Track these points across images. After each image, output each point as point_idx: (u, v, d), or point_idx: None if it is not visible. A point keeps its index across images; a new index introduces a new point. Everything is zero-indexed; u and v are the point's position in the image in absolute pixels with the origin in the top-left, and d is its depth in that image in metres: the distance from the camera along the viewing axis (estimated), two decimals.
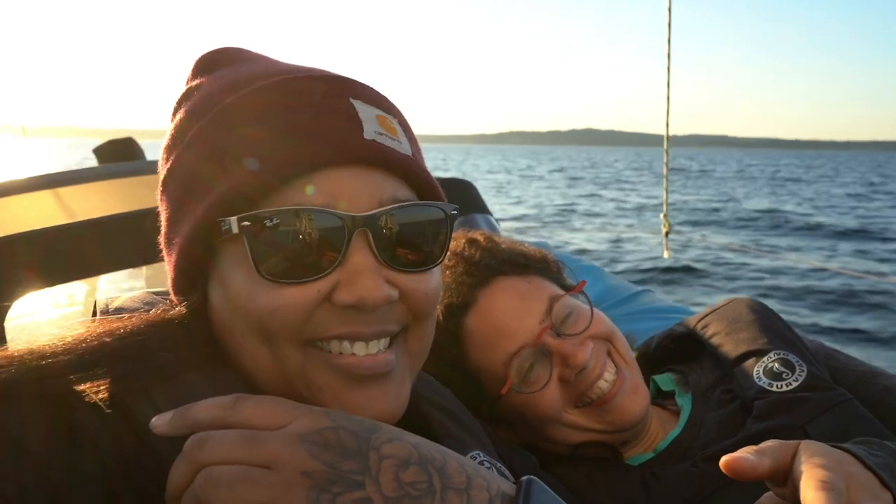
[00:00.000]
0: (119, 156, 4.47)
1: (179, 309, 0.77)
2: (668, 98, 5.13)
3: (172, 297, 0.80)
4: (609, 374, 1.16)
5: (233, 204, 0.70)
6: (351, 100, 0.75)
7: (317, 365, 0.71)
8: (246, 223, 0.69)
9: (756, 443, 1.05)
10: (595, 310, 1.21)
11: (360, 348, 0.71)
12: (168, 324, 0.75)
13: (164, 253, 0.80)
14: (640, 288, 2.09)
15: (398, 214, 0.73)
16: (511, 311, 1.15)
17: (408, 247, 0.73)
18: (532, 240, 3.57)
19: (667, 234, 5.67)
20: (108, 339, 0.71)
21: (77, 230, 1.62)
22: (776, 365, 1.18)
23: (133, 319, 0.75)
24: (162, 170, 0.79)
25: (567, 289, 1.24)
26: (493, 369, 1.16)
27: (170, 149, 0.78)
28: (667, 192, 5.63)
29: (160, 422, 0.62)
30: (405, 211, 0.73)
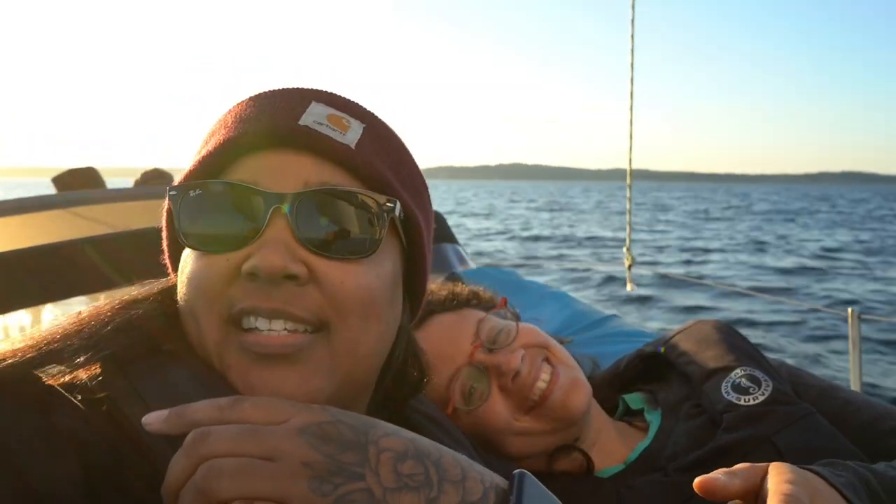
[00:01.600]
0: (79, 185, 4.38)
1: (150, 289, 0.81)
2: (630, 135, 5.25)
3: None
4: (545, 375, 1.21)
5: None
6: (312, 101, 0.79)
7: (230, 343, 0.71)
8: (173, 193, 0.75)
9: (726, 453, 1.09)
10: (522, 323, 1.29)
11: (262, 324, 0.70)
12: (140, 301, 0.78)
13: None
14: (607, 313, 2.13)
15: (319, 197, 0.73)
16: (444, 340, 1.24)
17: (327, 231, 0.73)
18: (502, 266, 3.62)
19: (629, 266, 5.77)
20: (88, 326, 0.73)
21: (26, 256, 1.59)
22: (743, 380, 1.22)
23: (108, 304, 0.77)
24: None
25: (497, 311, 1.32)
26: (439, 397, 1.21)
27: None
28: (630, 226, 5.76)
29: (153, 419, 0.61)
30: (328, 195, 0.73)
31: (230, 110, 0.81)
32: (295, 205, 0.71)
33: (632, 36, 4.75)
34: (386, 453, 0.59)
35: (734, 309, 13.20)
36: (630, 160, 5.39)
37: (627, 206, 5.62)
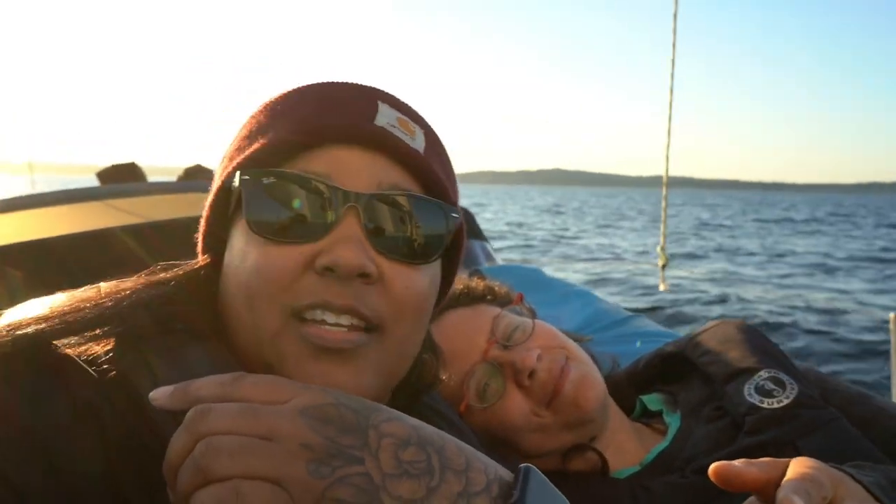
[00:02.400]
0: (122, 180, 4.52)
1: (177, 270, 0.80)
2: (668, 144, 5.25)
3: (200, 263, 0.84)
4: (557, 371, 1.18)
5: (245, 168, 0.75)
6: (378, 101, 0.80)
7: (290, 334, 0.71)
8: (245, 178, 0.73)
9: (746, 456, 1.05)
10: (538, 321, 1.26)
11: (330, 318, 0.71)
12: (166, 282, 0.78)
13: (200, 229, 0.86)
14: (631, 313, 2.09)
15: (393, 200, 0.75)
16: (459, 336, 1.22)
17: (397, 235, 0.74)
18: (525, 265, 3.61)
19: (663, 266, 5.71)
20: (108, 300, 0.73)
21: (59, 243, 1.63)
22: (767, 383, 1.18)
23: (134, 281, 0.77)
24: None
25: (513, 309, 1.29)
26: (453, 393, 1.19)
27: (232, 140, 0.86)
28: (665, 224, 5.70)
29: (160, 395, 0.62)
30: (401, 200, 0.75)
31: (289, 98, 0.80)
32: (369, 204, 0.73)
33: (673, 44, 4.74)
34: (387, 438, 0.58)
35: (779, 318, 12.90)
36: (667, 157, 5.38)
37: (663, 205, 5.58)
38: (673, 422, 1.27)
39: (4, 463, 0.60)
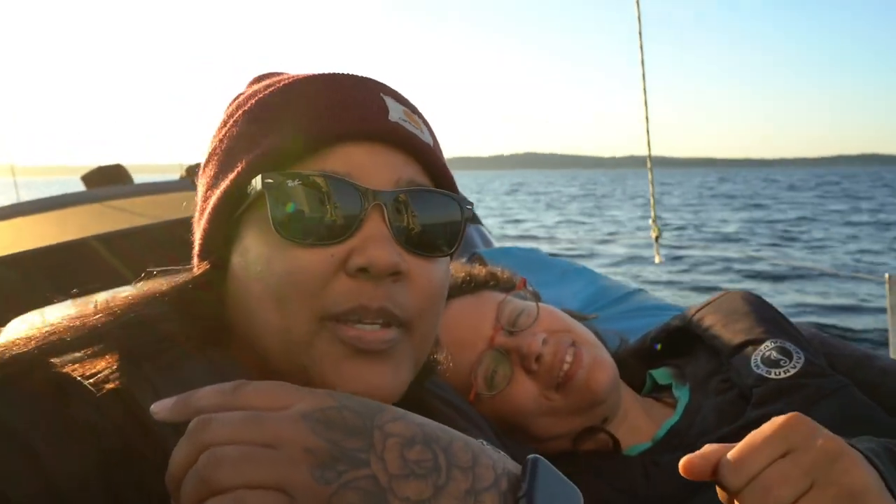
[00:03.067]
0: (108, 182, 4.47)
1: (179, 280, 0.79)
2: (646, 118, 5.31)
3: (195, 268, 0.83)
4: (569, 357, 1.19)
5: (259, 170, 0.74)
6: (381, 94, 0.80)
7: (325, 336, 0.72)
8: (269, 181, 0.72)
9: (755, 429, 1.05)
10: (542, 304, 1.26)
11: (364, 320, 0.72)
12: (161, 298, 0.77)
13: (195, 228, 0.84)
14: (633, 287, 2.10)
15: (414, 196, 0.76)
16: (464, 325, 1.23)
17: (419, 230, 0.75)
18: (522, 246, 3.61)
19: (657, 238, 5.76)
20: (107, 317, 0.73)
21: (55, 254, 1.62)
22: (773, 353, 1.18)
23: (131, 296, 0.76)
24: (205, 155, 0.85)
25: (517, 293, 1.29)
26: (461, 382, 1.19)
27: (213, 137, 0.84)
28: (653, 198, 5.75)
29: (161, 408, 0.61)
30: (421, 195, 0.76)
31: (292, 93, 0.79)
32: (392, 202, 0.73)
33: (638, 17, 4.77)
34: (392, 439, 0.57)
35: (763, 281, 13.04)
36: (647, 130, 5.42)
37: (650, 177, 5.63)
38: (682, 395, 1.28)
39: (2, 482, 0.60)
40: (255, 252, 0.74)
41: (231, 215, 0.78)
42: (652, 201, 5.61)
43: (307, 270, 0.71)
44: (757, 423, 1.07)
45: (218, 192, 0.78)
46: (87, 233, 1.89)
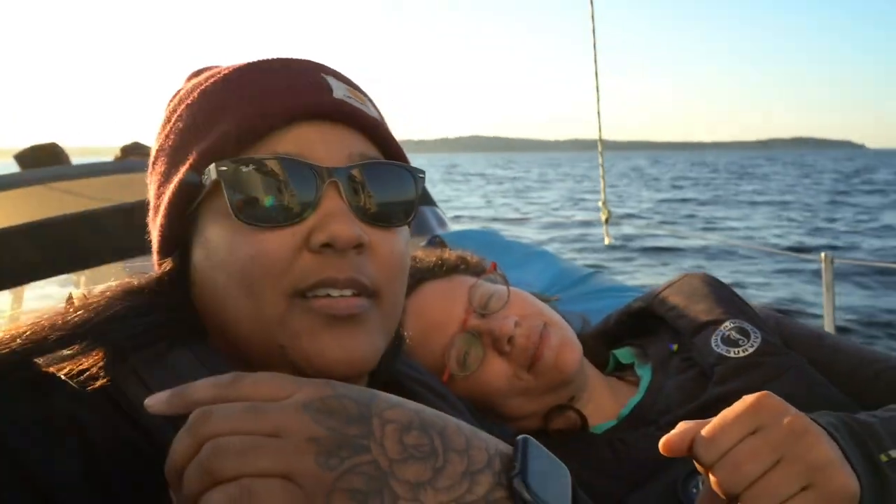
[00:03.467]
0: (43, 162, 4.27)
1: (149, 275, 0.79)
2: (597, 88, 5.39)
3: (156, 267, 0.82)
4: (536, 338, 1.22)
5: (211, 160, 0.74)
6: (322, 74, 0.81)
7: (297, 311, 0.73)
8: (223, 168, 0.73)
9: (717, 405, 1.10)
10: (512, 287, 1.29)
11: (333, 292, 0.73)
12: (140, 291, 0.77)
13: (150, 227, 0.84)
14: (591, 270, 2.13)
15: (367, 170, 0.77)
16: (437, 308, 1.25)
17: (375, 202, 0.77)
18: (477, 227, 3.62)
19: (606, 220, 5.88)
20: (84, 314, 0.72)
21: (14, 234, 1.55)
22: (732, 333, 1.23)
23: (105, 293, 0.76)
24: (152, 153, 0.85)
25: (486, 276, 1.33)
26: (434, 364, 1.21)
27: (158, 135, 0.83)
28: (604, 180, 5.86)
29: (155, 401, 0.61)
30: (374, 168, 0.78)
31: (234, 80, 0.79)
32: (347, 177, 0.75)
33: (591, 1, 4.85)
34: (390, 425, 0.59)
35: (708, 260, 13.51)
36: (599, 115, 5.53)
37: (600, 161, 5.74)
38: (644, 374, 1.32)
39: None
40: (216, 241, 0.75)
41: (187, 209, 0.78)
42: (602, 184, 5.72)
43: (271, 252, 0.72)
44: (718, 400, 1.12)
45: (171, 187, 0.78)
46: (27, 217, 1.81)
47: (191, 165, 0.76)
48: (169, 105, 0.86)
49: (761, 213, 24.34)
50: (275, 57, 0.82)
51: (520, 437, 0.64)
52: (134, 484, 0.65)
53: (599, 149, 5.65)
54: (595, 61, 5.21)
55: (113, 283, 0.80)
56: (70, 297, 0.79)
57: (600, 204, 5.85)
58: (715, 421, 0.76)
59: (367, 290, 0.75)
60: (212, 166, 0.74)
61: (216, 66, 0.87)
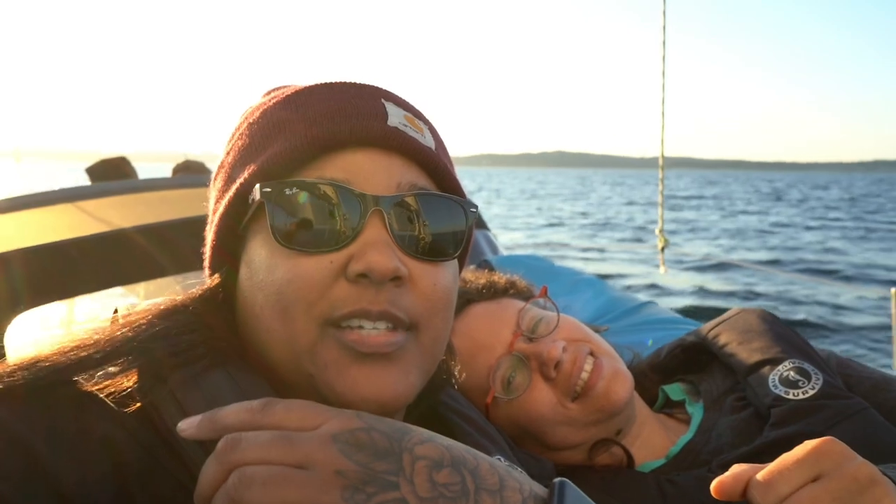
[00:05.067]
0: (111, 175, 4.47)
1: (192, 292, 0.79)
2: (662, 124, 5.31)
3: (207, 281, 0.83)
4: (588, 366, 1.19)
5: (259, 180, 0.74)
6: (382, 100, 0.79)
7: (328, 342, 0.71)
8: (267, 190, 0.72)
9: (773, 449, 1.04)
10: (562, 314, 1.27)
11: (367, 324, 0.71)
12: (184, 308, 0.77)
13: (207, 243, 0.84)
14: (643, 300, 2.07)
15: (414, 201, 0.75)
16: (485, 329, 1.23)
17: (421, 234, 0.75)
18: (526, 252, 3.58)
19: (662, 249, 5.73)
20: (125, 332, 0.72)
21: (72, 247, 1.61)
22: (791, 373, 1.17)
23: (149, 310, 0.76)
24: (214, 168, 0.85)
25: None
26: (478, 385, 1.19)
27: (223, 149, 0.84)
28: (662, 207, 5.72)
29: (187, 425, 0.61)
30: (422, 199, 0.76)
31: (294, 102, 0.79)
32: (392, 207, 0.73)
33: (664, 27, 4.79)
34: (421, 461, 0.57)
35: (770, 292, 13.02)
36: (662, 141, 5.43)
37: (660, 188, 5.60)
38: (696, 412, 1.27)
39: (11, 492, 0.60)
40: (258, 262, 0.74)
41: (237, 227, 0.78)
42: (660, 211, 5.58)
43: (307, 277, 0.70)
44: (776, 444, 1.06)
45: (224, 204, 0.78)
46: (121, 224, 1.88)
47: (241, 185, 0.76)
48: (237, 121, 0.87)
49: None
50: (338, 81, 0.81)
51: (556, 479, 0.61)
52: None
53: (660, 175, 5.53)
54: (663, 75, 5.11)
55: (160, 300, 0.80)
56: (115, 312, 0.80)
57: (657, 232, 5.71)
58: (773, 465, 0.72)
59: (403, 323, 0.72)
60: (257, 188, 0.73)
61: (288, 86, 0.87)
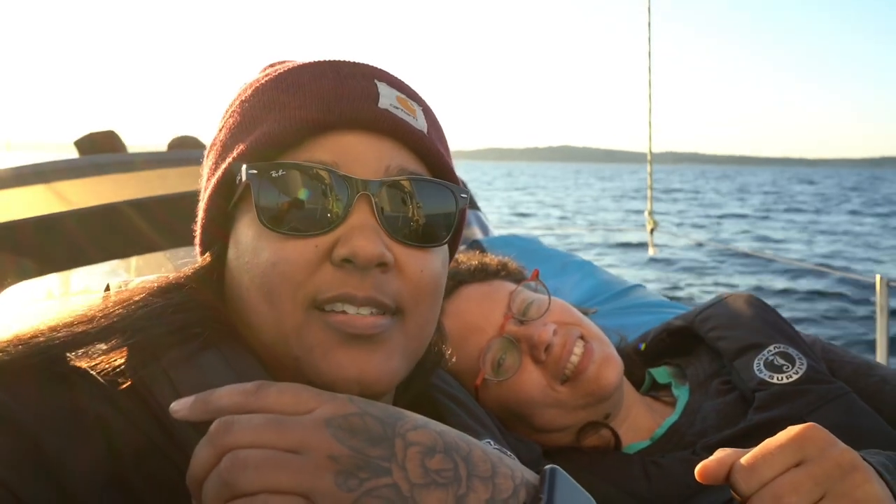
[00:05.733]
0: (101, 149, 4.41)
1: (185, 270, 0.78)
2: (650, 110, 5.41)
3: (198, 259, 0.82)
4: (578, 349, 1.19)
5: (248, 160, 0.73)
6: (375, 80, 0.78)
7: (313, 324, 0.70)
8: (253, 171, 0.71)
9: (757, 432, 1.06)
10: (553, 297, 1.27)
11: (351, 309, 0.70)
12: (178, 287, 0.76)
13: (197, 220, 0.83)
14: (631, 283, 2.09)
15: (403, 185, 0.74)
16: (475, 311, 1.23)
17: (409, 219, 0.74)
18: (521, 232, 3.59)
19: (651, 231, 5.79)
20: (120, 309, 0.72)
21: (67, 219, 1.60)
22: (776, 358, 1.19)
23: (143, 287, 0.75)
24: (207, 145, 0.84)
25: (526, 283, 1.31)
26: (469, 367, 1.20)
27: (217, 126, 0.83)
28: (651, 189, 5.79)
29: (180, 406, 0.61)
30: (412, 184, 0.75)
31: (284, 81, 0.77)
32: (381, 191, 0.72)
33: (648, 8, 4.86)
34: (414, 447, 0.57)
35: (755, 277, 13.12)
36: (650, 131, 5.53)
37: (648, 170, 5.68)
38: (682, 394, 1.29)
39: (5, 471, 0.59)
40: (244, 242, 0.73)
41: (226, 206, 0.77)
42: (649, 194, 5.67)
43: (292, 261, 0.70)
44: (759, 427, 1.08)
45: (213, 182, 0.77)
46: (114, 199, 1.87)
47: (230, 164, 0.75)
48: (232, 97, 0.85)
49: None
50: (328, 59, 0.79)
51: (547, 467, 0.62)
52: (156, 487, 0.65)
53: (649, 157, 5.61)
54: (650, 70, 5.19)
55: (152, 277, 0.79)
56: (108, 289, 0.79)
57: (646, 214, 5.78)
58: (756, 450, 0.73)
59: (389, 308, 0.72)
60: (244, 168, 0.72)
61: (285, 62, 0.85)
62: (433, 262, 0.76)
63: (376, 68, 0.80)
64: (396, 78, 0.81)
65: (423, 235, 0.75)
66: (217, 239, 0.79)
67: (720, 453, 0.75)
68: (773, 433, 1.08)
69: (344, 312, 0.70)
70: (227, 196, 0.76)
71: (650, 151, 5.60)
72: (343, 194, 0.71)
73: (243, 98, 0.80)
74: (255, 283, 0.71)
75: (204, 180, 0.82)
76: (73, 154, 4.45)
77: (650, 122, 5.62)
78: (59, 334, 0.68)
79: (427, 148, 0.77)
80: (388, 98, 0.76)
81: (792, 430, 0.73)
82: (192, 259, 0.84)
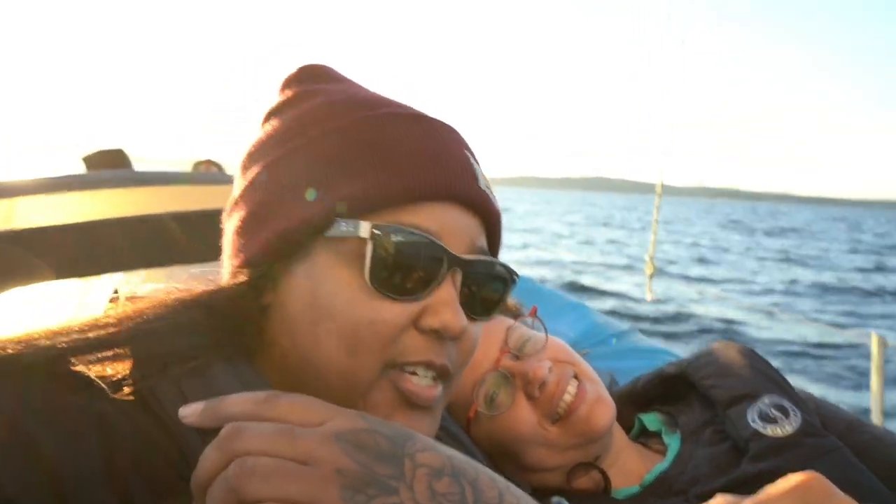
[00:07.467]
0: (111, 165, 4.46)
1: (217, 286, 0.80)
2: (665, 149, 5.43)
3: (225, 272, 0.83)
4: (572, 388, 1.19)
5: (357, 210, 0.75)
6: (465, 150, 0.84)
7: (385, 384, 0.76)
8: (377, 231, 0.74)
9: (751, 483, 1.04)
10: (551, 336, 1.27)
11: (422, 371, 0.77)
12: (197, 304, 0.77)
13: (234, 236, 0.83)
14: (625, 327, 2.08)
15: (483, 264, 0.81)
16: None
17: (478, 296, 0.81)
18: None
19: (650, 276, 5.78)
20: (132, 321, 0.73)
21: (85, 229, 1.62)
22: (771, 409, 1.18)
23: (160, 299, 0.76)
24: (249, 172, 0.84)
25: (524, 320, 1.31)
26: (463, 401, 1.19)
27: (264, 153, 0.83)
28: (655, 234, 5.77)
29: (190, 412, 0.61)
30: (490, 267, 0.82)
31: (389, 129, 0.79)
32: (466, 269, 0.78)
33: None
34: (422, 469, 0.57)
35: (754, 326, 13.06)
36: (661, 171, 5.52)
37: (654, 216, 5.66)
38: (672, 443, 1.27)
39: (6, 475, 0.59)
40: (330, 287, 0.75)
41: (302, 238, 0.77)
42: (653, 238, 5.63)
43: (387, 322, 0.75)
44: (754, 478, 1.06)
45: (296, 213, 0.77)
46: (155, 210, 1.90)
47: (327, 203, 0.75)
48: (295, 110, 0.84)
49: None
50: (423, 113, 0.82)
51: (554, 498, 0.63)
52: (157, 491, 0.65)
53: (657, 202, 5.59)
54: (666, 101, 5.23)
55: (162, 287, 0.80)
56: (115, 294, 0.80)
57: (647, 257, 5.76)
58: (759, 496, 0.71)
59: (449, 376, 0.78)
60: (363, 223, 0.74)
61: (338, 75, 0.87)
62: (479, 332, 0.84)
63: (460, 135, 0.86)
64: (469, 146, 0.87)
65: (483, 310, 0.83)
66: (269, 265, 0.78)
67: (718, 499, 0.74)
68: (766, 484, 1.06)
69: (415, 373, 0.76)
70: (312, 231, 0.76)
71: (659, 196, 5.57)
72: (438, 265, 0.76)
73: (331, 128, 0.79)
74: (343, 332, 0.75)
75: (258, 195, 0.81)
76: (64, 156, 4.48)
77: (661, 165, 5.61)
78: (66, 338, 0.69)
79: (497, 230, 0.85)
80: (481, 176, 0.83)
81: (794, 478, 0.72)
82: (210, 272, 0.84)
